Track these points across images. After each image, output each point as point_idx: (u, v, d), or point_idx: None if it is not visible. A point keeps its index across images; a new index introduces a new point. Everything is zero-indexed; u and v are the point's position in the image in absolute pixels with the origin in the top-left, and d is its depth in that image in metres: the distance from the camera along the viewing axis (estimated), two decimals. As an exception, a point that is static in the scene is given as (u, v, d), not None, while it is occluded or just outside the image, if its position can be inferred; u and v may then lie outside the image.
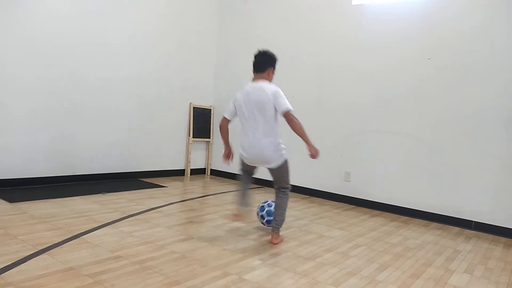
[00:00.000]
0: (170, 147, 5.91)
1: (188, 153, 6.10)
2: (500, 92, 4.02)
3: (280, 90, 2.94)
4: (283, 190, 3.11)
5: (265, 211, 3.37)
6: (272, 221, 3.12)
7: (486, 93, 4.09)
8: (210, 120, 6.38)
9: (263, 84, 2.98)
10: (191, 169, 6.19)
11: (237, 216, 3.27)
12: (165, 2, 5.54)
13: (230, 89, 6.25)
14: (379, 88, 4.78)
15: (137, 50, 5.25)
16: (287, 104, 2.86)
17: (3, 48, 4.01)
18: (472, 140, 4.17)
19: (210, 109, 6.38)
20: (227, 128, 3.18)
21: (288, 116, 2.84)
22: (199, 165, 6.38)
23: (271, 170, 3.05)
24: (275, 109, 2.90)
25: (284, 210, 3.11)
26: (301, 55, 5.34)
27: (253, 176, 3.35)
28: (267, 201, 3.45)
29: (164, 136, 5.79)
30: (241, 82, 6.04)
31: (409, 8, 4.56)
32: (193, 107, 6.11)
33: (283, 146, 3.00)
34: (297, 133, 2.86)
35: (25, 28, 4.14)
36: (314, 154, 2.89)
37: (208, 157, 6.45)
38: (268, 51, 3.10)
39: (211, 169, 6.47)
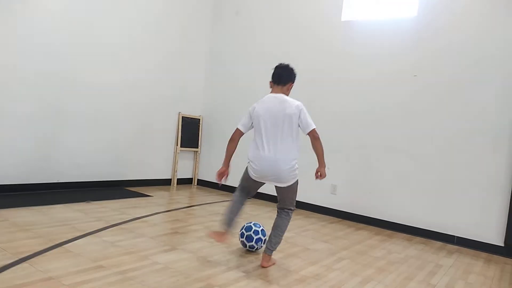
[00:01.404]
0: (157, 156, 5.88)
1: (175, 162, 6.08)
2: (488, 109, 4.11)
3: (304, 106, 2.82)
4: (286, 210, 2.93)
5: (251, 231, 3.12)
6: (267, 241, 2.89)
7: (474, 110, 4.19)
8: (199, 130, 6.38)
9: (286, 97, 2.82)
10: (178, 179, 6.16)
11: (220, 236, 2.91)
12: (155, 11, 5.57)
13: (220, 98, 6.28)
14: (367, 102, 4.85)
15: (127, 59, 5.25)
16: (312, 122, 2.77)
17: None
18: (459, 156, 4.25)
19: (199, 119, 6.39)
20: (237, 142, 2.94)
21: (314, 135, 2.76)
22: (186, 175, 6.36)
23: (280, 189, 2.85)
24: (298, 125, 2.78)
25: (283, 232, 2.90)
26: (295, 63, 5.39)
27: (251, 197, 3.10)
28: (251, 222, 3.20)
29: (152, 145, 5.76)
30: (233, 90, 6.10)
31: (396, 25, 4.67)
32: (182, 116, 6.11)
33: (297, 166, 2.81)
34: (317, 153, 2.80)
35: (17, 32, 4.11)
36: (323, 175, 2.85)
37: (195, 167, 6.44)
38: (289, 65, 2.93)
39: (198, 179, 6.45)
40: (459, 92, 4.27)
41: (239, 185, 3.02)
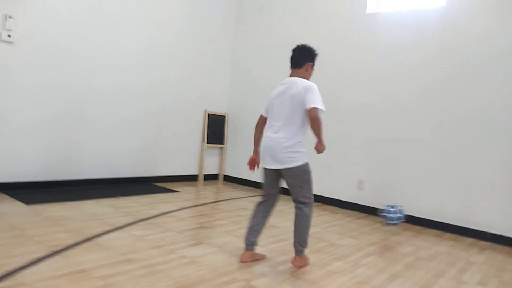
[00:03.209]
0: (184, 153, 5.97)
1: (201, 158, 6.15)
2: (517, 101, 3.95)
3: (316, 87, 2.66)
4: (299, 206, 2.72)
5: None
6: (294, 242, 2.76)
7: (505, 102, 4.02)
8: (224, 127, 6.43)
9: (297, 79, 2.72)
10: (205, 175, 6.24)
11: (243, 256, 2.77)
12: (180, 10, 5.63)
13: (245, 95, 6.30)
14: (393, 95, 4.75)
15: (153, 58, 5.34)
16: (316, 101, 2.59)
17: (15, 56, 4.11)
18: (488, 150, 4.10)
19: (225, 116, 6.43)
20: (262, 127, 2.87)
21: (312, 113, 2.57)
22: (213, 170, 6.42)
23: (285, 176, 2.71)
24: (304, 106, 2.62)
25: (303, 231, 2.70)
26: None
27: (277, 194, 2.85)
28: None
29: (178, 142, 5.85)
30: (257, 87, 6.11)
31: (422, 16, 4.54)
32: (208, 114, 6.17)
33: (302, 149, 2.66)
34: (314, 131, 2.61)
35: (34, 36, 4.25)
36: (321, 149, 2.65)
37: (221, 163, 6.49)
38: (306, 45, 2.83)
39: (224, 175, 6.50)
40: (485, 82, 4.11)
41: (262, 183, 2.87)
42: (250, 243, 2.77)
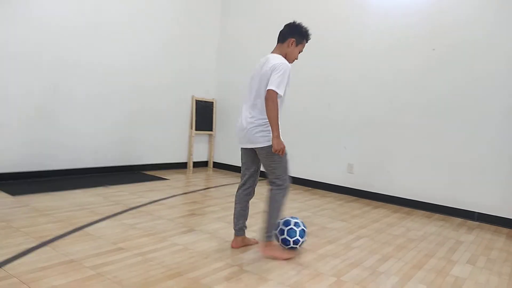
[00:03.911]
0: (173, 140, 5.90)
1: (190, 146, 6.09)
2: (501, 80, 3.97)
3: (285, 66, 2.48)
4: (272, 186, 2.60)
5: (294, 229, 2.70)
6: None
7: (494, 85, 4.05)
8: (212, 113, 6.36)
9: (272, 56, 2.60)
10: (194, 162, 6.19)
11: (234, 242, 2.75)
12: (165, -7, 5.50)
13: (232, 81, 6.23)
14: (382, 79, 4.74)
15: (139, 45, 5.22)
16: (274, 83, 2.41)
17: None
18: (477, 131, 4.14)
19: (213, 102, 6.36)
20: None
21: (267, 95, 2.41)
22: (202, 158, 6.38)
23: (259, 155, 2.61)
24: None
25: (270, 215, 2.55)
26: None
27: (255, 174, 2.75)
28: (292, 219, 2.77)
29: (167, 130, 5.78)
30: (245, 73, 6.02)
31: (412, -3, 4.52)
32: (196, 100, 6.09)
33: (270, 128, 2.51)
34: (268, 116, 2.44)
35: (24, 15, 4.12)
36: (275, 147, 2.42)
37: (210, 150, 6.45)
38: (296, 22, 2.68)
39: (213, 162, 6.47)
40: (472, 63, 4.12)
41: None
42: (239, 228, 2.75)
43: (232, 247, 2.74)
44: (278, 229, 2.71)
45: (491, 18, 4.05)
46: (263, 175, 2.73)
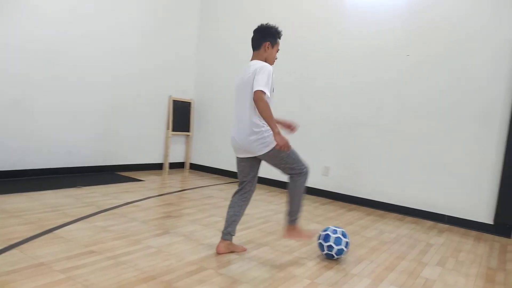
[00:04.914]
0: (149, 141, 5.82)
1: (167, 146, 6.03)
2: (479, 85, 4.11)
3: (267, 68, 2.49)
4: (292, 176, 2.67)
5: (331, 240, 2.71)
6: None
7: (465, 87, 4.18)
8: (190, 114, 6.31)
9: (253, 62, 2.60)
10: (170, 163, 6.12)
11: (218, 246, 2.70)
12: (143, -8, 5.43)
13: (212, 82, 6.20)
14: (357, 79, 4.82)
15: (114, 43, 5.13)
16: (260, 83, 2.41)
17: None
18: (449, 134, 4.26)
19: (190, 102, 6.31)
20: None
21: (255, 96, 2.41)
22: (178, 159, 6.32)
23: (263, 160, 2.65)
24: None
25: (294, 200, 2.67)
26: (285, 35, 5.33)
27: (253, 180, 2.74)
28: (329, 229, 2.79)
29: (143, 130, 5.70)
30: (224, 73, 6.02)
31: (392, 1, 4.61)
32: (173, 100, 6.03)
33: (267, 132, 2.53)
34: (263, 117, 2.44)
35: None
36: (279, 143, 2.41)
37: (187, 151, 6.40)
38: (263, 25, 2.67)
39: (190, 163, 6.42)
40: (449, 68, 4.26)
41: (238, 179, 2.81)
42: (226, 232, 2.70)
43: (217, 252, 2.68)
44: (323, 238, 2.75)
45: (472, 21, 4.18)
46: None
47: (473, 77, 4.14)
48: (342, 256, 2.78)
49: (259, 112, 2.46)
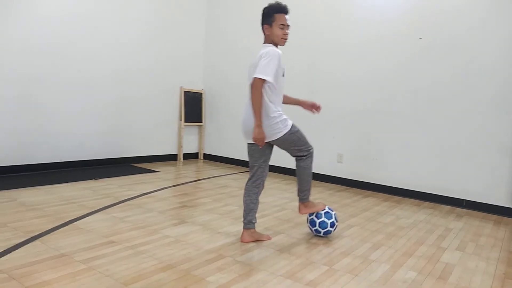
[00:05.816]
0: (162, 133, 5.86)
1: (180, 137, 6.05)
2: (495, 70, 4.00)
3: (271, 53, 2.45)
4: (300, 157, 2.74)
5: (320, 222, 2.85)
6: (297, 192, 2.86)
7: (481, 71, 4.08)
8: (201, 104, 6.31)
9: (263, 46, 2.61)
10: (184, 154, 6.15)
11: (242, 236, 2.74)
12: (152, -17, 5.41)
13: (222, 72, 6.18)
14: (371, 67, 4.74)
15: (124, 35, 5.14)
16: (261, 70, 2.40)
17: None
18: (466, 118, 4.17)
19: (201, 93, 6.31)
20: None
21: (252, 82, 2.42)
22: (192, 149, 6.35)
23: (274, 144, 2.68)
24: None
25: (303, 179, 2.76)
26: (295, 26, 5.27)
27: (265, 164, 2.72)
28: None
29: (156, 122, 5.72)
30: (234, 61, 5.99)
31: (401, -14, 4.51)
32: (184, 91, 6.03)
33: (278, 118, 2.55)
34: (252, 103, 2.45)
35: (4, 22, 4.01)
36: (256, 136, 2.45)
37: (200, 141, 6.41)
38: (261, 12, 2.66)
39: (204, 153, 6.44)
40: (464, 52, 4.15)
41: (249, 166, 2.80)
42: (247, 222, 2.71)
43: (241, 241, 2.70)
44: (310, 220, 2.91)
45: (480, 9, 4.07)
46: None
47: (485, 60, 4.02)
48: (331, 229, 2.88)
49: (251, 99, 2.46)
